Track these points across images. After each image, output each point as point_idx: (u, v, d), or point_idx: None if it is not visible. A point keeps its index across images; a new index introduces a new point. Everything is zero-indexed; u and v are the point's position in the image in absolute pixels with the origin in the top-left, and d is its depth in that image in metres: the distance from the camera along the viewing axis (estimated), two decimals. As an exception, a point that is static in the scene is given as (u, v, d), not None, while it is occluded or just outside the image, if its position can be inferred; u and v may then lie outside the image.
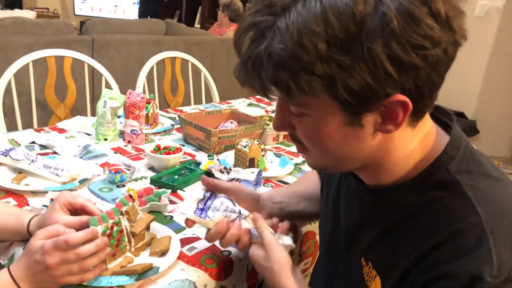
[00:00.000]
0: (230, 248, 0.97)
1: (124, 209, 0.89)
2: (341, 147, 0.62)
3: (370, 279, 0.71)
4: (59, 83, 2.07)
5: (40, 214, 0.95)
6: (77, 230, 0.79)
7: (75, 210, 0.89)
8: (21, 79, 2.22)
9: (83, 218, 0.84)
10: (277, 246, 0.81)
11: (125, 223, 0.89)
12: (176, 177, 1.29)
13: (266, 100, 2.40)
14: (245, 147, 1.37)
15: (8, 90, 1.82)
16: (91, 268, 0.78)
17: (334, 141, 0.61)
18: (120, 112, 1.70)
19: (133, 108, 1.48)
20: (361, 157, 0.64)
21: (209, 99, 2.54)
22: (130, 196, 0.94)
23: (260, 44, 0.55)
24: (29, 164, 1.18)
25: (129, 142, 1.51)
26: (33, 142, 1.41)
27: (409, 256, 0.63)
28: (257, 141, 1.39)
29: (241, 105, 2.20)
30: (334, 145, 0.61)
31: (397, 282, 0.64)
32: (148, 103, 1.66)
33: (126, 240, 0.89)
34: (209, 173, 1.33)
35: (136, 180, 1.25)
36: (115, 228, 0.86)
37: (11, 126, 1.97)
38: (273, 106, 2.25)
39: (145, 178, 1.27)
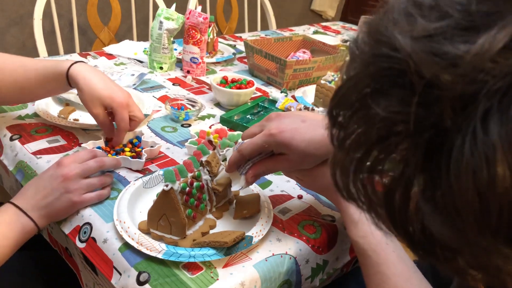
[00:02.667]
0: (334, 213, 0.76)
1: (204, 158, 0.69)
2: None
3: None
4: (102, 3, 1.83)
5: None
6: None
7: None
8: (60, 0, 2.00)
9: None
10: None
11: (205, 176, 0.68)
12: (249, 116, 1.07)
13: (333, 27, 2.09)
14: (330, 82, 1.12)
15: (47, 13, 1.60)
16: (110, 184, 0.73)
17: None
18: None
19: (193, 31, 1.23)
20: None
21: (265, 26, 2.26)
22: (210, 141, 0.73)
23: None
24: (77, 94, 0.98)
25: (188, 72, 1.28)
26: (79, 69, 1.20)
27: None
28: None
29: (305, 32, 1.90)
30: None
31: None
32: (208, 26, 1.40)
33: (207, 198, 0.69)
34: (287, 113, 1.10)
35: (202, 118, 1.04)
36: (194, 184, 0.66)
37: (51, 53, 1.78)
38: (344, 35, 1.95)
39: (213, 116, 1.06)
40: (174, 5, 1.28)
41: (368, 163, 0.29)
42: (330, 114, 0.31)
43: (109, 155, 0.79)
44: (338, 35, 1.94)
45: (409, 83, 0.25)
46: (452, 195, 0.25)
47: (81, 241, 0.65)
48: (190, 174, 0.66)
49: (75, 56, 1.31)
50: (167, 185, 0.61)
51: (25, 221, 0.64)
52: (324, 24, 2.16)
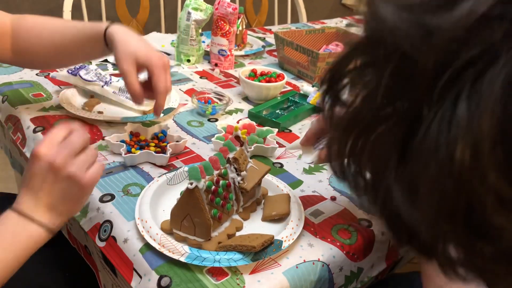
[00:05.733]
0: (369, 216, 0.70)
1: (231, 155, 0.64)
2: None
3: None
4: (131, -5, 1.82)
5: (119, 151, 0.73)
6: None
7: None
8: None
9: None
10: None
11: (232, 174, 0.64)
12: (278, 111, 1.02)
13: (366, 21, 2.00)
14: (365, 76, 1.06)
15: (76, 6, 1.60)
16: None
17: None
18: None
19: (222, 23, 1.19)
20: None
21: (295, 20, 2.19)
22: (238, 137, 0.68)
23: None
24: (102, 86, 0.95)
25: (215, 65, 1.24)
26: (106, 61, 1.18)
27: None
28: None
29: (338, 25, 1.83)
30: None
31: None
32: (238, 17, 1.36)
33: (234, 198, 0.65)
34: (319, 109, 1.04)
35: (230, 113, 0.99)
36: (221, 182, 0.61)
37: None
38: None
39: (240, 111, 1.01)
40: (202, -5, 1.24)
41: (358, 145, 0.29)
42: (325, 93, 0.32)
43: (133, 149, 0.76)
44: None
45: (386, 55, 0.25)
46: (414, 173, 0.24)
47: (101, 240, 0.61)
48: (216, 172, 0.62)
49: (102, 48, 1.29)
50: (191, 183, 0.57)
51: (32, 229, 0.53)
52: (357, 17, 2.07)
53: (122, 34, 0.74)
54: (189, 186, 0.57)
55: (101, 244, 0.61)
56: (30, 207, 0.54)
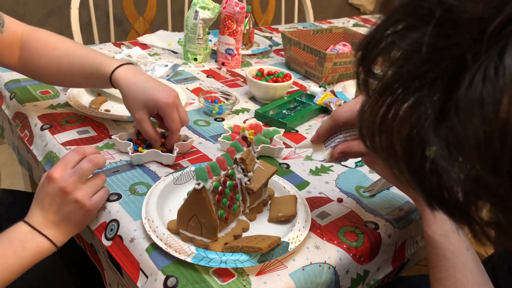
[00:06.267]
0: (377, 219, 0.70)
1: (238, 156, 0.64)
2: None
3: None
4: (138, -8, 1.82)
5: (126, 150, 0.73)
6: None
7: None
8: (97, -11, 1.99)
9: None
10: None
11: (239, 175, 0.64)
12: (285, 111, 1.01)
13: (374, 20, 1.99)
14: (373, 77, 1.05)
15: (84, 3, 1.60)
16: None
17: None
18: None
19: (229, 22, 1.19)
20: None
21: (302, 19, 2.19)
22: (245, 138, 0.68)
23: None
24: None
25: (222, 64, 1.24)
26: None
27: None
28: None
29: (345, 25, 1.82)
30: None
31: None
32: (245, 17, 1.35)
33: (240, 198, 0.65)
34: (325, 109, 1.04)
35: (236, 112, 0.99)
36: (228, 183, 0.61)
37: (88, 43, 1.78)
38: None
39: (247, 110, 1.01)
40: (210, -6, 1.24)
41: (393, 110, 0.28)
42: (361, 60, 0.31)
43: (139, 148, 0.76)
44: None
45: (430, 9, 0.25)
46: (457, 127, 0.24)
47: (107, 239, 0.61)
48: (223, 172, 0.61)
49: (109, 46, 1.29)
50: (198, 184, 0.56)
51: (40, 240, 0.59)
52: (364, 17, 2.07)
53: (128, 80, 0.75)
54: (196, 186, 0.57)
55: (107, 243, 0.61)
56: (39, 221, 0.60)
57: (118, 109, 0.93)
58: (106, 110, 0.91)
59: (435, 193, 0.27)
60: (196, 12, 1.19)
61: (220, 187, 0.60)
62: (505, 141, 0.22)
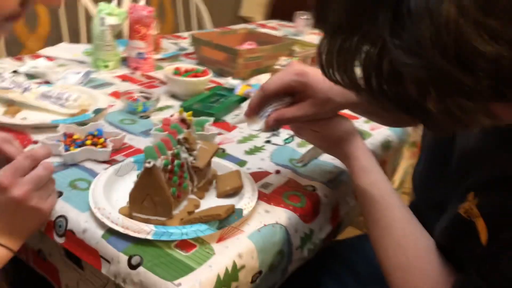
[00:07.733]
0: (313, 183, 0.76)
1: (181, 136, 0.66)
2: None
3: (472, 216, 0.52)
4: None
5: (57, 151, 0.71)
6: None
7: None
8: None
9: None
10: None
11: (184, 155, 0.65)
12: (209, 104, 1.04)
13: (269, 25, 2.12)
14: (284, 66, 1.13)
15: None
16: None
17: None
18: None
19: (138, 26, 1.19)
20: None
21: (201, 27, 2.24)
22: (183, 120, 0.70)
23: None
24: (22, 93, 0.90)
25: (135, 69, 1.23)
26: (15, 72, 1.11)
27: None
28: (298, 59, 1.16)
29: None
30: None
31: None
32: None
33: (188, 177, 0.66)
34: (245, 99, 1.09)
35: (161, 109, 1.00)
36: (175, 162, 0.63)
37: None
38: (282, 30, 1.98)
39: (171, 107, 1.02)
40: (115, 1, 1.23)
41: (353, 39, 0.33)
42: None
43: (71, 148, 0.73)
44: (276, 31, 1.97)
45: None
46: (412, 27, 0.29)
47: (59, 236, 0.59)
48: (169, 152, 0.63)
49: (8, 61, 1.21)
50: (149, 162, 0.57)
51: None
52: (259, 22, 2.19)
53: None
54: (147, 165, 0.57)
55: (60, 240, 0.58)
56: None
57: (35, 117, 0.88)
58: (23, 119, 0.86)
59: (393, 96, 0.33)
60: (102, 18, 1.17)
61: (170, 165, 0.61)
62: (449, 33, 0.28)
